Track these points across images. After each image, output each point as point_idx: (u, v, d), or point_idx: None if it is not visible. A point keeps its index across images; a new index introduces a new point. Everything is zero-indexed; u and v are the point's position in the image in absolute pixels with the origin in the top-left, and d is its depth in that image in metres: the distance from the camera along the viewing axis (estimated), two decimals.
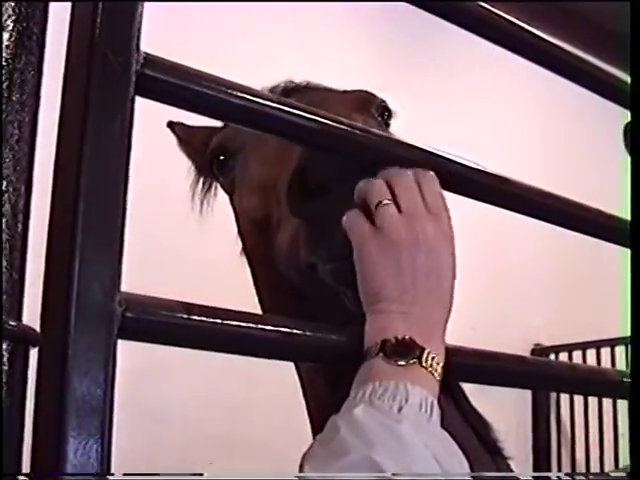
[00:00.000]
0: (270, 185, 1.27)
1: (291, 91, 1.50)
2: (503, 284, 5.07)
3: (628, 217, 1.25)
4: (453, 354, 1.04)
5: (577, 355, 5.13)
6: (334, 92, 1.51)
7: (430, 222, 1.02)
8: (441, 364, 0.99)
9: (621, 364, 4.88)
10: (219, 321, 0.85)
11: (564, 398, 5.18)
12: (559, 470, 5.22)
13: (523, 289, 5.17)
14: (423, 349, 0.97)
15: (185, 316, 0.81)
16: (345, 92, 1.50)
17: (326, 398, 1.31)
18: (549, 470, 5.13)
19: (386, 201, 1.01)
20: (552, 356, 5.20)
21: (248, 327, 0.89)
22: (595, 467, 4.92)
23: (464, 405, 1.48)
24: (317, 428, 1.32)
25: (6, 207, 0.65)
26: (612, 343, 4.91)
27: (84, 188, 0.70)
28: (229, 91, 0.88)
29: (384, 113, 1.48)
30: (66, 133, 0.72)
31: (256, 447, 3.77)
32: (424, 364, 0.96)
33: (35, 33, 0.68)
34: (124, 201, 0.72)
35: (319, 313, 1.12)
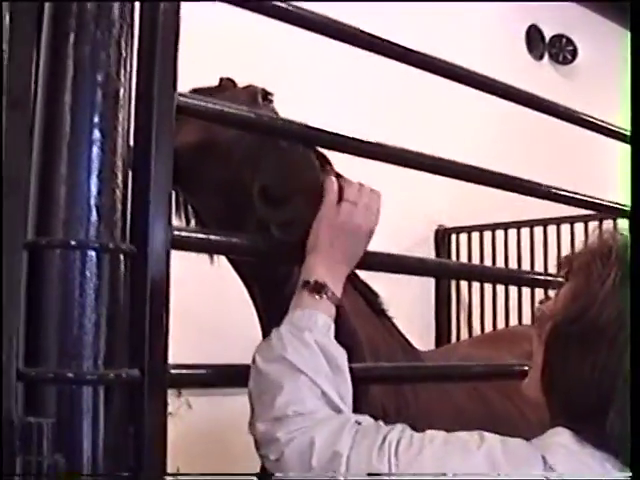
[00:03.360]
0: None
1: (209, 90, 2.02)
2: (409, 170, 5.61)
3: None
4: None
5: (475, 236, 5.69)
6: (235, 90, 2.03)
7: (362, 216, 1.61)
8: (338, 296, 1.58)
9: (512, 245, 5.54)
10: None
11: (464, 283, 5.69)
12: (457, 328, 5.76)
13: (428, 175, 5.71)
14: (329, 288, 1.56)
15: None
16: (243, 88, 2.02)
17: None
18: (449, 328, 5.73)
19: (349, 202, 1.60)
20: (453, 236, 5.80)
21: None
22: None
23: (353, 278, 2.09)
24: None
25: None
26: (506, 226, 5.50)
27: None
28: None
29: (267, 96, 2.01)
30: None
31: None
32: (329, 297, 1.56)
33: None
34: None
35: None
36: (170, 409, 4.83)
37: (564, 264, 1.52)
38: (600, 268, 1.40)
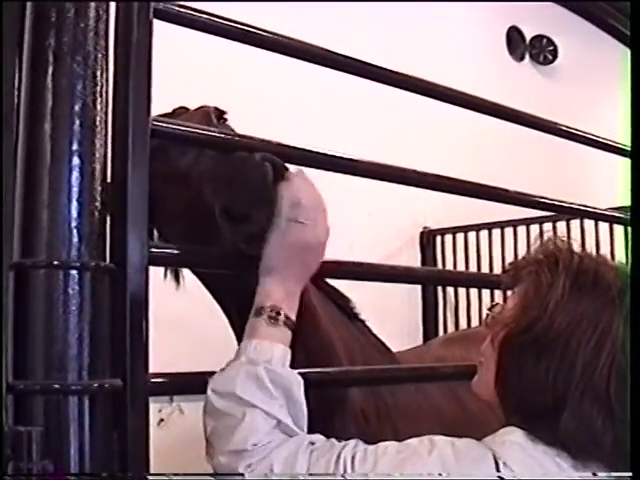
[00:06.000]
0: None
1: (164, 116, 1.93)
2: None
3: None
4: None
5: (460, 237, 5.81)
6: (188, 112, 2.04)
7: (311, 234, 1.59)
8: (293, 318, 1.59)
9: (496, 244, 5.71)
10: None
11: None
12: (445, 329, 5.83)
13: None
14: (285, 313, 1.57)
15: None
16: (195, 110, 2.03)
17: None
18: (436, 329, 5.82)
19: (298, 221, 1.58)
20: (438, 238, 5.91)
21: None
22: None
23: (324, 286, 2.17)
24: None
25: None
26: (489, 227, 5.62)
27: None
28: None
29: (222, 115, 2.02)
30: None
31: None
32: (285, 323, 1.57)
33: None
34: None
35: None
36: (162, 415, 4.91)
37: (511, 270, 1.60)
38: (549, 278, 1.49)
